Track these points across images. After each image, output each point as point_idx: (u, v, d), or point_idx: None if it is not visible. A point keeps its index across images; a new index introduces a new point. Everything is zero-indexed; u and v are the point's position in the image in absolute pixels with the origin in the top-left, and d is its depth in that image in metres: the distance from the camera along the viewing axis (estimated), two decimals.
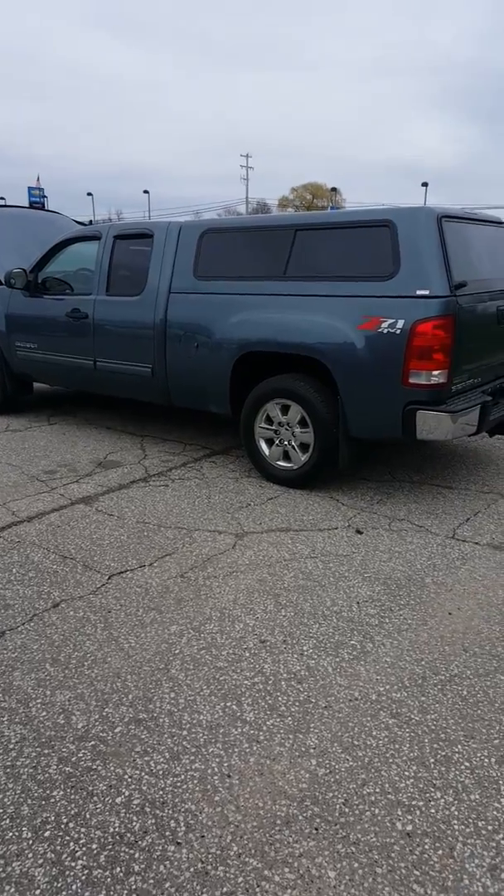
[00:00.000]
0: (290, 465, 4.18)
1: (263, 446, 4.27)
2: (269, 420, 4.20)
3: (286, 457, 4.19)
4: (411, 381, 3.58)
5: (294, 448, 4.12)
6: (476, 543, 3.41)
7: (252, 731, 2.04)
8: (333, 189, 59.30)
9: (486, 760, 1.95)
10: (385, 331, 3.61)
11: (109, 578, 3.00)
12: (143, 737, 2.02)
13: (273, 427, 4.19)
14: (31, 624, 2.63)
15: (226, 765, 1.91)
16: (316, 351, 3.85)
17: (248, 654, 2.43)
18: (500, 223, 4.57)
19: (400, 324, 3.56)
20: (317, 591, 2.89)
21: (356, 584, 2.97)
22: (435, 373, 3.56)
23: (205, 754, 1.95)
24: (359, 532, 3.53)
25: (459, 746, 1.99)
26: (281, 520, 3.69)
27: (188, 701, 2.18)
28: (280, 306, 4.00)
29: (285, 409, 4.11)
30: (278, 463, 4.22)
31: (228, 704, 2.16)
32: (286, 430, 4.13)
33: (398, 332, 3.57)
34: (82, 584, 2.96)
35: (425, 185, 50.78)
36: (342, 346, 3.75)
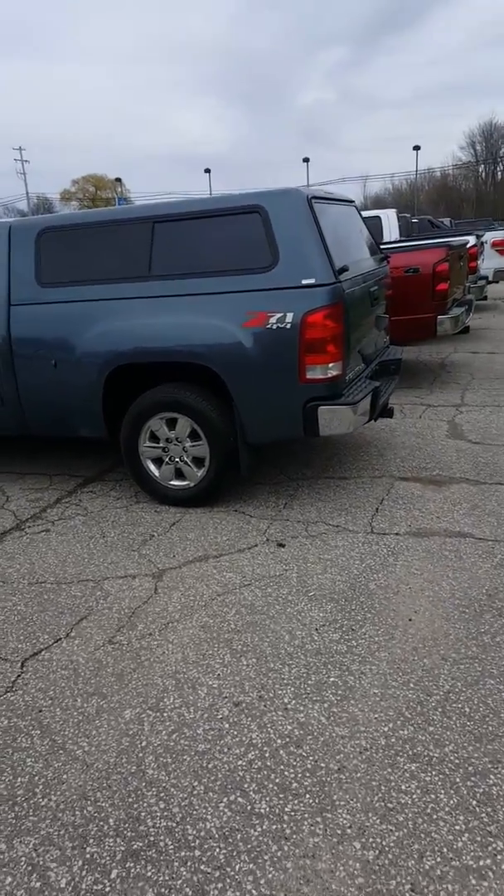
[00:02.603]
0: (185, 483, 3.82)
1: (152, 467, 3.85)
2: (154, 437, 3.79)
3: (179, 475, 3.83)
4: (308, 376, 3.40)
5: (187, 464, 3.77)
6: (397, 534, 3.34)
7: (275, 827, 1.73)
8: (117, 179, 57.76)
9: None
10: (274, 326, 3.38)
11: (23, 666, 2.47)
12: (148, 874, 1.62)
13: (160, 445, 3.79)
14: None
15: (262, 882, 1.58)
16: (201, 356, 3.51)
17: (227, 726, 2.09)
18: (351, 202, 4.53)
19: (289, 317, 3.35)
20: (269, 626, 2.61)
21: (305, 607, 2.73)
22: (331, 365, 3.40)
23: (233, 876, 1.60)
24: (281, 545, 3.30)
25: (492, 777, 1.85)
26: (194, 547, 3.34)
27: (184, 808, 1.80)
28: (151, 310, 3.60)
29: (172, 424, 3.73)
30: (172, 483, 3.84)
31: (233, 798, 1.82)
32: (175, 445, 3.76)
33: (288, 326, 3.36)
34: None
35: (208, 171, 51.27)
36: (229, 348, 3.45)
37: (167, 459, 3.81)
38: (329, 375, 3.41)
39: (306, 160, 51.50)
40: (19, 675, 2.41)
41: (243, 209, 3.49)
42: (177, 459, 3.79)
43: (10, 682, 2.37)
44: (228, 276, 3.48)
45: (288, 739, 2.02)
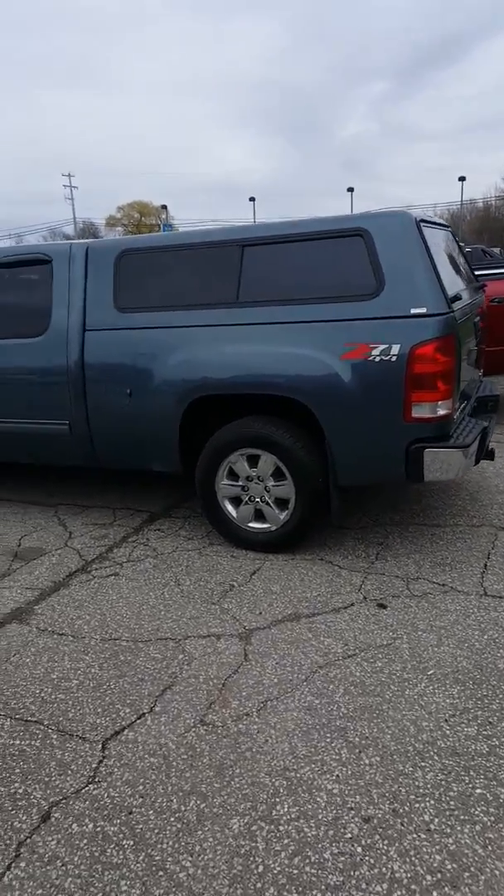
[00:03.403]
0: (265, 525, 3.46)
1: (229, 507, 3.51)
2: (233, 475, 3.46)
3: (259, 516, 3.48)
4: (415, 415, 3.04)
5: (269, 505, 3.42)
6: None
7: None
8: (163, 206, 58.70)
9: None
10: (377, 359, 3.04)
11: (104, 747, 2.12)
12: None
13: (240, 483, 3.45)
14: (21, 867, 1.71)
15: None
16: (293, 389, 3.18)
17: (360, 850, 1.71)
18: (447, 227, 4.20)
19: (395, 349, 3.00)
20: (387, 713, 2.22)
21: (426, 690, 2.34)
22: (440, 403, 3.04)
23: None
24: (382, 606, 2.92)
25: None
26: (281, 603, 2.98)
27: None
28: (238, 338, 3.29)
29: (253, 460, 3.39)
30: (250, 525, 3.49)
31: None
32: (257, 484, 3.42)
33: (393, 358, 3.01)
34: (69, 766, 2.05)
35: (252, 199, 51.75)
36: (325, 381, 3.12)
37: (246, 499, 3.47)
38: (438, 414, 3.05)
39: (350, 190, 51.63)
40: (101, 761, 2.06)
41: (344, 232, 3.17)
42: (257, 500, 3.44)
43: (91, 770, 2.02)
44: (325, 304, 3.16)
45: (440, 876, 1.63)
